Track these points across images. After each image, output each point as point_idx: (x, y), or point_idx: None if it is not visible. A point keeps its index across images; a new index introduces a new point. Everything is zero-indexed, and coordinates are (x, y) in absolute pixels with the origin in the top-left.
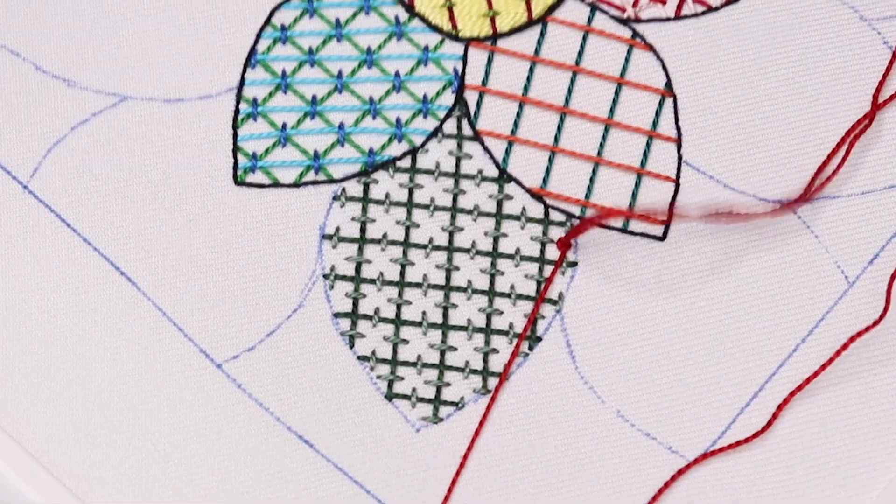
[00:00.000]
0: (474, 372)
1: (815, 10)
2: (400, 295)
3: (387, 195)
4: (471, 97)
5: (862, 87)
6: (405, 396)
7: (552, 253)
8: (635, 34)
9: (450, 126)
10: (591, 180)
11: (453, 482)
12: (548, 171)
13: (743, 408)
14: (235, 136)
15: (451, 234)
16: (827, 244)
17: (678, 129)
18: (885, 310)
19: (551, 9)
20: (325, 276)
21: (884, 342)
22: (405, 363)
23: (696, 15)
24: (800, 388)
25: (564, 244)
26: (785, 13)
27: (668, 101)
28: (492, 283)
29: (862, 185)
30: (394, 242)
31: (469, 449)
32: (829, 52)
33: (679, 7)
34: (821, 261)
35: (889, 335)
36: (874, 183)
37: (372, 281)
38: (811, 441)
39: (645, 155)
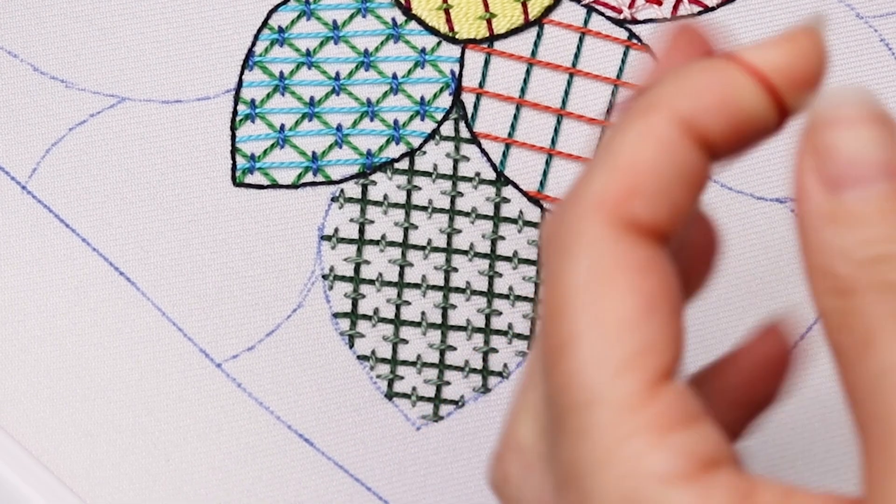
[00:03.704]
0: (474, 371)
1: (812, 9)
2: (399, 295)
3: (385, 197)
4: (468, 99)
5: (859, 84)
6: (405, 395)
7: None
8: (632, 35)
9: (447, 128)
10: None
11: None
12: (545, 173)
13: None
14: (234, 137)
15: (449, 236)
16: None
17: None
18: None
19: (547, 10)
20: (325, 277)
21: None
22: (405, 362)
23: (692, 15)
24: None
25: None
26: (781, 12)
27: None
28: (490, 284)
29: None
30: (392, 244)
31: None
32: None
33: (675, 8)
34: None
35: None
36: None
37: (371, 281)
38: (812, 436)
39: None
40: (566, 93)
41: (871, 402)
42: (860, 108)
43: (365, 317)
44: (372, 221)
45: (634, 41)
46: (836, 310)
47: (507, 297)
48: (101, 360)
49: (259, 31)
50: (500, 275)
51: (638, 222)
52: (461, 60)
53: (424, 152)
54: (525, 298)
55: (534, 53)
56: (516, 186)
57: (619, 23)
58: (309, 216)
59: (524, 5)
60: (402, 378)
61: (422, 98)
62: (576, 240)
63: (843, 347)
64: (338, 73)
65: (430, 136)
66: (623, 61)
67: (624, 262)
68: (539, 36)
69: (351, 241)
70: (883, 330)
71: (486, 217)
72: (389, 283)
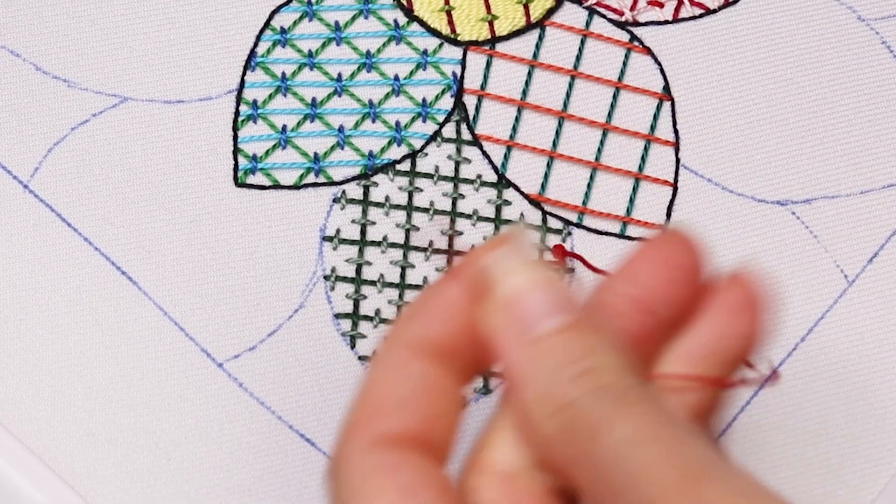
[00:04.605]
0: None
1: (813, 11)
2: (400, 297)
3: (387, 198)
4: (470, 101)
5: (861, 87)
6: None
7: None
8: (633, 38)
9: (449, 130)
10: (589, 185)
11: None
12: (546, 176)
13: (744, 406)
14: (236, 137)
15: (450, 238)
16: (826, 243)
17: (676, 132)
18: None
19: (549, 13)
20: (326, 278)
21: (885, 338)
22: None
23: (693, 18)
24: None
25: (561, 253)
26: (783, 14)
27: (666, 105)
28: None
29: (860, 185)
30: (394, 245)
31: None
32: (828, 53)
33: (677, 10)
34: (820, 260)
35: (890, 331)
36: (873, 182)
37: (372, 283)
38: (812, 437)
39: (643, 159)
40: (568, 95)
41: (613, 478)
42: (529, 274)
43: (366, 318)
44: (373, 223)
45: (636, 44)
46: (560, 425)
47: None
48: (102, 359)
49: (261, 31)
50: None
51: (387, 435)
52: (463, 62)
53: (426, 154)
54: None
55: (535, 56)
56: (518, 189)
57: (621, 25)
58: (311, 217)
59: (526, 7)
60: None
61: (423, 100)
62: (344, 464)
63: (573, 452)
64: (340, 75)
65: (432, 138)
66: (625, 64)
67: (378, 469)
68: (541, 38)
69: (352, 242)
70: (605, 419)
71: (487, 219)
72: (391, 285)
